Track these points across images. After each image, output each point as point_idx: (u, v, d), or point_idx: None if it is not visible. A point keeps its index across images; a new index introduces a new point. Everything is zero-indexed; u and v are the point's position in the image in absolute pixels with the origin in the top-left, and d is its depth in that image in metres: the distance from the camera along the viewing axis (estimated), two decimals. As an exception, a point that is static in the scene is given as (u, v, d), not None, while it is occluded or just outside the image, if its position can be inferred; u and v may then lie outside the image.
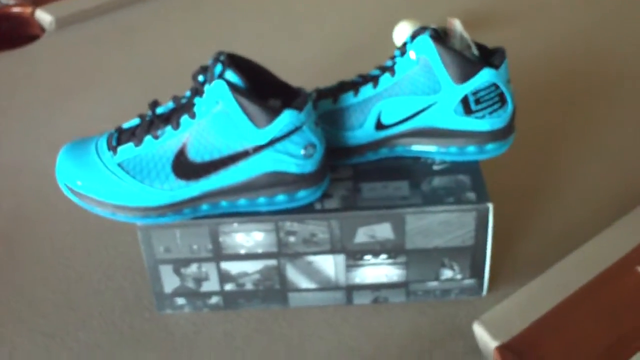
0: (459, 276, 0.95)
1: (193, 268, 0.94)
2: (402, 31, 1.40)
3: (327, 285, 0.96)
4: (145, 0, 1.71)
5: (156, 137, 0.87)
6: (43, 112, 1.39)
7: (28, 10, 1.62)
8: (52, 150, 1.26)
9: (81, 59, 1.53)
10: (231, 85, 0.84)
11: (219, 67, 0.85)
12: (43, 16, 1.62)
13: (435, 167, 0.95)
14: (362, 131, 0.93)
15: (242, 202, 0.90)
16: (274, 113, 0.85)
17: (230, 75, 0.84)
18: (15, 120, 1.38)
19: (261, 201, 0.89)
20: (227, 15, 1.65)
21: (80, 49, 1.57)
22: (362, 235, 0.91)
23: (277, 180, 0.88)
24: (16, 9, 1.63)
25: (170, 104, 0.90)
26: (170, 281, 0.95)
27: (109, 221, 1.07)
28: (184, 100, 0.89)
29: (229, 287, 0.96)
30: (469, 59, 0.90)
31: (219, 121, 0.85)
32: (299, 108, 0.85)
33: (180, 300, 0.97)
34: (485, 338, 0.88)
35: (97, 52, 1.55)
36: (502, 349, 0.86)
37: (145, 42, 1.58)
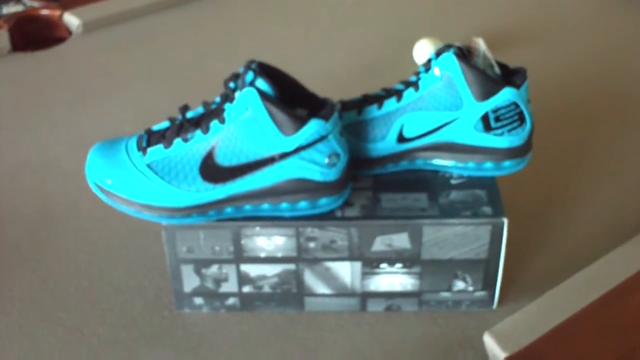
0: (471, 288, 0.98)
1: (214, 269, 0.97)
2: (421, 48, 1.43)
3: (342, 291, 0.98)
4: (171, 8, 1.73)
5: (186, 140, 0.90)
6: (68, 112, 1.41)
7: (56, 13, 1.64)
8: (76, 150, 1.29)
9: (107, 62, 1.56)
10: (261, 93, 0.86)
11: (250, 75, 0.88)
12: (71, 19, 1.64)
13: (453, 181, 0.97)
14: (384, 143, 0.96)
15: (265, 206, 0.92)
16: (301, 122, 0.87)
17: (261, 83, 0.87)
18: (41, 119, 1.40)
19: (284, 206, 0.92)
20: (251, 25, 1.68)
21: (106, 52, 1.59)
22: (379, 244, 0.94)
23: (300, 187, 0.91)
24: (44, 12, 1.66)
25: (200, 109, 0.93)
26: (190, 281, 0.98)
27: (130, 221, 1.09)
28: (213, 106, 0.91)
29: (247, 289, 0.98)
30: (491, 78, 0.93)
31: (247, 127, 0.88)
32: (325, 118, 0.88)
33: (199, 300, 0.99)
34: (495, 349, 0.90)
35: (122, 56, 1.58)
36: (511, 360, 0.89)
37: (169, 48, 1.61)
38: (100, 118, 1.39)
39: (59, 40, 1.61)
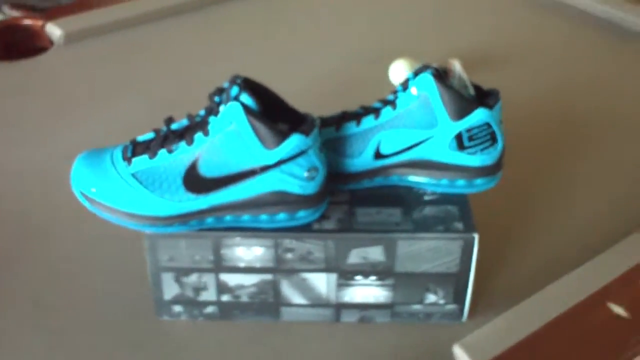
0: (441, 301, 1.01)
1: (193, 277, 0.99)
2: (397, 68, 1.46)
3: (317, 302, 1.01)
4: (153, 21, 1.75)
5: (170, 151, 0.92)
6: (50, 122, 1.43)
7: (39, 23, 1.66)
8: (57, 159, 1.30)
9: (89, 73, 1.58)
10: (246, 108, 0.89)
11: (235, 90, 0.91)
12: (53, 30, 1.66)
13: (427, 197, 1.01)
14: (361, 159, 0.99)
15: (245, 217, 0.95)
16: (282, 136, 0.90)
17: (246, 98, 0.90)
18: (23, 128, 1.42)
19: (263, 218, 0.95)
20: (234, 38, 1.71)
21: (88, 63, 1.61)
22: (355, 257, 0.97)
23: (280, 199, 0.93)
24: (27, 21, 1.67)
25: (184, 121, 0.95)
26: (170, 289, 1.00)
27: (110, 229, 1.11)
28: (198, 118, 0.94)
29: (225, 297, 1.01)
30: (465, 98, 0.96)
31: (230, 140, 0.91)
32: (306, 133, 0.91)
33: (178, 308, 1.02)
34: (464, 359, 0.94)
35: (104, 67, 1.60)
36: (479, 370, 0.92)
37: (150, 60, 1.63)
38: (82, 128, 1.41)
39: (41, 50, 1.63)
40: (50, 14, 1.70)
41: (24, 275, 1.10)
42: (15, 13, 1.75)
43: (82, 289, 1.07)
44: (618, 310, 0.99)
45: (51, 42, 1.65)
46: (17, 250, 1.14)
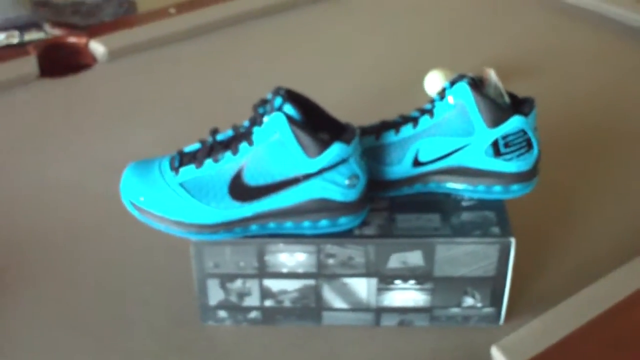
0: (479, 304, 1.03)
1: (238, 283, 1.02)
2: (432, 79, 1.48)
3: (358, 306, 1.03)
4: (194, 36, 1.78)
5: (216, 161, 0.95)
6: (94, 136, 1.46)
7: (83, 40, 1.69)
8: (102, 172, 1.33)
9: (132, 88, 1.61)
10: (289, 118, 0.92)
11: (278, 100, 0.94)
12: (96, 47, 1.69)
13: (464, 203, 1.03)
14: (400, 167, 1.01)
15: (288, 224, 0.98)
16: (324, 145, 0.93)
17: (289, 108, 0.93)
18: (68, 142, 1.45)
19: (306, 225, 0.98)
20: (271, 53, 1.74)
21: (132, 78, 1.64)
22: (394, 261, 1.00)
23: (322, 206, 0.96)
24: (71, 39, 1.71)
25: (229, 132, 0.98)
26: (215, 295, 1.03)
27: (155, 240, 1.14)
28: (242, 129, 0.97)
29: (268, 303, 1.03)
30: (501, 106, 0.98)
31: (274, 149, 0.94)
32: (347, 141, 0.94)
33: (223, 313, 1.05)
34: (503, 361, 0.96)
35: (147, 83, 1.63)
36: (517, 372, 0.94)
37: (192, 75, 1.66)
38: (126, 142, 1.44)
39: (85, 66, 1.66)
40: (93, 31, 1.74)
41: (73, 284, 1.13)
42: (56, 31, 1.79)
43: (130, 298, 1.10)
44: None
45: (95, 59, 1.68)
46: (65, 261, 1.17)
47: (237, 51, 1.74)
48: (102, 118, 1.52)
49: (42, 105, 1.56)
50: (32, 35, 1.89)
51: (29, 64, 1.64)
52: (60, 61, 1.67)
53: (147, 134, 1.46)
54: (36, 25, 2.01)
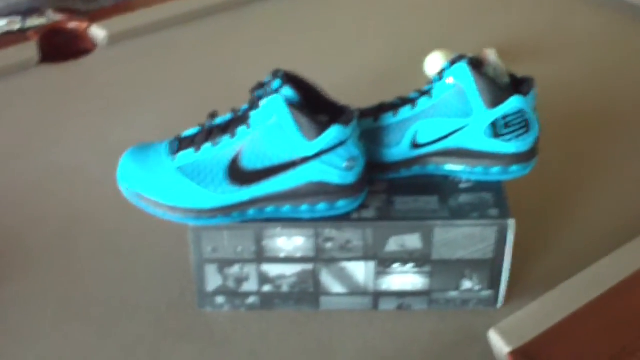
0: (477, 287, 1.03)
1: (236, 268, 1.01)
2: (433, 60, 1.47)
3: (356, 290, 1.03)
4: (193, 20, 1.78)
5: (214, 145, 0.95)
6: (95, 121, 1.46)
7: (83, 25, 1.69)
8: (103, 157, 1.33)
9: (132, 73, 1.61)
10: (287, 100, 0.92)
11: (277, 83, 0.93)
12: (97, 32, 1.68)
13: (462, 185, 1.03)
14: (398, 149, 1.01)
15: (286, 208, 0.97)
16: (322, 127, 0.93)
17: (287, 90, 0.92)
18: (69, 127, 1.44)
19: (304, 208, 0.97)
20: (270, 37, 1.73)
21: (132, 63, 1.64)
22: (393, 244, 0.99)
23: (320, 190, 0.96)
24: (72, 24, 1.70)
25: (228, 115, 0.98)
26: (213, 280, 1.02)
27: (153, 225, 1.13)
28: (240, 112, 0.97)
29: (266, 288, 1.03)
30: (500, 86, 0.98)
31: (272, 133, 0.93)
32: (345, 123, 0.93)
33: (220, 299, 1.04)
34: (500, 344, 0.95)
35: (147, 67, 1.63)
36: (514, 354, 0.93)
37: (191, 59, 1.65)
38: (126, 126, 1.44)
39: (86, 52, 1.66)
40: (93, 16, 1.73)
41: (72, 269, 1.13)
42: (59, 17, 1.78)
43: (129, 283, 1.10)
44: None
45: (95, 44, 1.68)
46: (66, 246, 1.17)
47: (237, 35, 1.74)
48: (102, 103, 1.51)
49: (43, 91, 1.56)
50: (34, 21, 1.89)
51: (30, 49, 1.63)
52: (61, 47, 1.66)
53: (148, 118, 1.46)
54: (38, 11, 2.00)
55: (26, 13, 1.94)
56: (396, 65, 1.59)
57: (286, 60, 1.57)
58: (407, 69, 1.55)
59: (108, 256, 1.15)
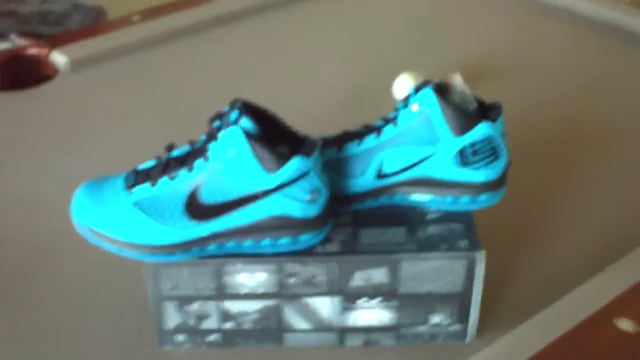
0: (446, 321, 1.00)
1: (196, 306, 0.98)
2: (402, 83, 1.45)
3: (321, 327, 1.00)
4: (157, 45, 1.74)
5: (171, 178, 0.92)
6: (56, 150, 1.42)
7: (44, 51, 1.65)
8: (63, 187, 1.29)
9: (94, 100, 1.57)
10: (245, 132, 0.89)
11: (234, 114, 0.90)
12: (58, 57, 1.65)
13: (431, 216, 1.00)
14: (363, 179, 0.98)
15: (247, 243, 0.94)
16: (283, 159, 0.89)
17: (245, 122, 0.89)
18: (28, 156, 1.41)
19: (266, 243, 0.94)
20: (235, 60, 1.70)
21: (94, 90, 1.60)
22: (358, 279, 0.96)
23: (282, 223, 0.92)
24: (32, 50, 1.67)
25: (185, 147, 0.95)
26: (172, 318, 0.99)
27: (114, 258, 1.09)
28: (198, 144, 0.93)
29: (228, 325, 0.99)
30: (467, 113, 0.95)
31: (231, 165, 0.90)
32: (307, 154, 0.90)
33: (181, 337, 1.00)
34: (470, 382, 0.93)
35: (110, 94, 1.59)
36: (486, 392, 0.91)
37: (157, 85, 1.62)
38: (86, 156, 1.40)
39: (47, 78, 1.62)
40: (55, 41, 1.70)
41: (26, 303, 1.09)
42: (22, 41, 1.74)
43: (84, 320, 1.06)
44: (627, 325, 0.98)
45: (56, 70, 1.64)
46: (19, 279, 1.13)
47: (201, 60, 1.71)
48: (62, 132, 1.48)
49: (1, 120, 1.52)
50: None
51: (-12, 76, 1.60)
52: (21, 74, 1.63)
53: (111, 148, 1.43)
54: (2, 36, 1.96)
55: (-12, 37, 1.89)
56: (363, 89, 1.57)
57: (250, 84, 1.56)
58: (375, 92, 1.53)
59: (64, 291, 1.11)
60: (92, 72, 1.65)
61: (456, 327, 1.00)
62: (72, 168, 1.37)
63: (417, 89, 0.97)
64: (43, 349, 1.02)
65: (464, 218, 0.99)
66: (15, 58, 1.66)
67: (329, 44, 1.77)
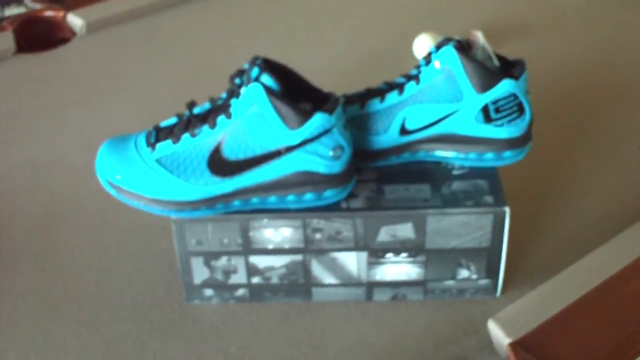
0: (474, 276, 1.00)
1: (223, 261, 0.99)
2: (421, 43, 1.44)
3: (349, 281, 1.00)
4: (173, 7, 1.75)
5: (193, 135, 0.92)
6: (74, 112, 1.43)
7: (60, 14, 1.66)
8: (83, 148, 1.30)
9: (111, 62, 1.58)
10: (267, 88, 0.88)
11: (255, 71, 0.90)
12: (74, 20, 1.66)
13: (455, 172, 0.99)
14: (386, 136, 0.98)
15: (272, 199, 0.94)
16: (306, 115, 0.89)
17: (266, 78, 0.89)
18: (47, 118, 1.41)
19: (290, 199, 0.94)
20: (253, 22, 1.70)
21: (110, 51, 1.61)
22: (384, 234, 0.96)
23: (306, 180, 0.93)
24: (48, 13, 1.67)
25: (206, 105, 0.95)
26: (200, 273, 1.00)
27: (138, 217, 1.11)
28: (220, 101, 0.93)
29: (255, 280, 1.00)
30: (490, 70, 0.95)
31: (253, 122, 0.90)
32: (329, 111, 0.90)
33: (209, 292, 1.01)
34: (499, 335, 0.92)
35: (126, 56, 1.60)
36: (515, 345, 0.91)
37: (173, 46, 1.62)
38: (106, 116, 1.41)
39: (63, 41, 1.63)
40: (70, 4, 1.70)
41: (54, 267, 1.10)
42: (36, 5, 1.74)
43: (112, 278, 1.07)
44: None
45: (73, 33, 1.65)
46: (45, 241, 1.14)
47: (217, 21, 1.71)
48: (81, 93, 1.49)
49: (20, 82, 1.53)
50: (13, 10, 1.84)
51: (6, 40, 1.60)
52: (37, 36, 1.63)
53: (127, 108, 1.43)
54: (17, 0, 1.96)
55: (4, 2, 1.89)
56: (382, 47, 1.56)
57: (271, 45, 1.55)
58: (395, 52, 1.53)
59: (89, 251, 1.12)
60: (108, 34, 1.66)
61: (485, 282, 1.00)
62: (91, 129, 1.38)
63: (439, 47, 0.96)
64: (72, 309, 1.03)
65: (489, 174, 0.99)
66: (31, 21, 1.67)
67: (349, 3, 1.76)
